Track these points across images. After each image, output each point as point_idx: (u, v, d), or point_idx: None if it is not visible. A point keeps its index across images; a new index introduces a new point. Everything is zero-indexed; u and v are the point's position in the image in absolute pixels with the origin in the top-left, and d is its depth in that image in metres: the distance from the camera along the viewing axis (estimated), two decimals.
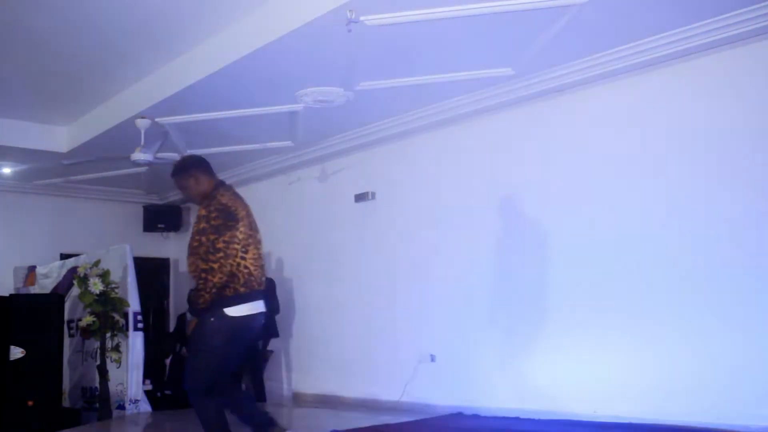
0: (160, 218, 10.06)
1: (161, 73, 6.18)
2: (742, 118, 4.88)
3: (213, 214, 3.72)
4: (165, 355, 8.90)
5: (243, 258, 3.73)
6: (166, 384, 8.38)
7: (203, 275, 3.61)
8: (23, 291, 8.46)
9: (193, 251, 3.68)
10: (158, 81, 6.23)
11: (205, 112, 6.56)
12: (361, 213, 7.35)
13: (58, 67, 6.12)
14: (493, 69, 5.66)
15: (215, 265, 3.60)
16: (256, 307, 3.81)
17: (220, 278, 3.63)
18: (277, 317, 7.87)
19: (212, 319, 3.69)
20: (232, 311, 3.68)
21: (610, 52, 5.27)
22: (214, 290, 3.64)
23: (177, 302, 10.27)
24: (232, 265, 3.68)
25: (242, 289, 3.71)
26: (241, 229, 3.78)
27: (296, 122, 6.86)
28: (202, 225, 3.71)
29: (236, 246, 3.71)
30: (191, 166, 4.06)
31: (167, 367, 8.79)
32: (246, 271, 3.74)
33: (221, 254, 3.64)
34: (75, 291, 7.29)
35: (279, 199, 8.54)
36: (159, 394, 7.73)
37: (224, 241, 3.67)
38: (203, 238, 3.67)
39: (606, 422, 5.13)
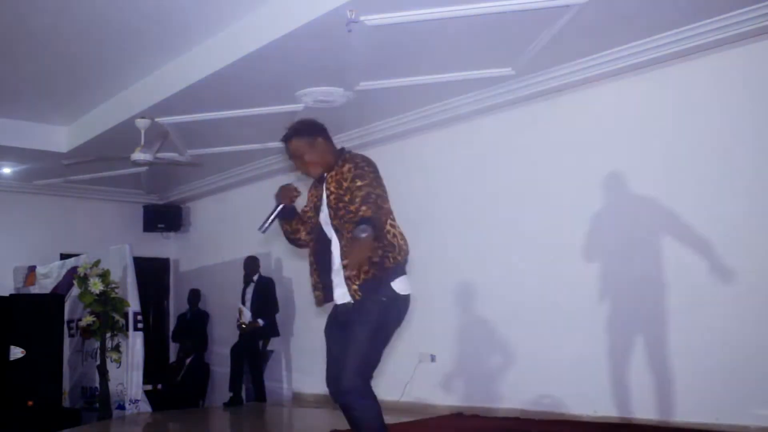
0: (160, 218, 10.06)
1: (161, 73, 6.18)
2: (742, 117, 4.88)
3: (362, 163, 3.19)
4: (186, 355, 8.94)
5: (392, 225, 3.22)
6: (180, 383, 8.47)
7: (383, 218, 3.10)
8: (23, 291, 8.46)
9: (361, 200, 3.05)
10: (158, 81, 6.22)
11: (205, 112, 6.56)
12: None
13: (58, 67, 6.11)
14: (493, 69, 5.66)
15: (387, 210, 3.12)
16: (410, 283, 3.26)
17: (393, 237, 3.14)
18: (277, 317, 7.89)
19: (383, 298, 3.12)
20: (399, 287, 3.15)
21: (610, 52, 5.27)
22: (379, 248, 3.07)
23: (177, 302, 10.28)
24: (386, 232, 3.15)
25: (399, 258, 3.17)
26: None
27: None
28: (356, 173, 3.14)
29: (388, 205, 3.20)
30: (314, 128, 3.41)
31: (185, 368, 8.83)
32: (400, 241, 3.21)
33: (388, 204, 3.17)
34: (75, 291, 7.29)
35: None
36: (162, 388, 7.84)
37: (383, 190, 3.17)
38: (363, 185, 3.09)
39: (606, 422, 5.14)
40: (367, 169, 3.18)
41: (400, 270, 3.20)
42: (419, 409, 6.29)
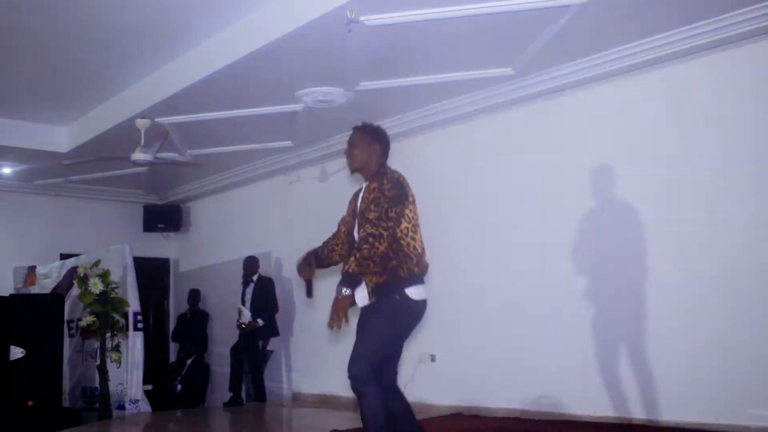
0: (160, 218, 10.06)
1: (161, 73, 6.18)
2: (742, 117, 4.87)
3: (387, 185, 3.49)
4: (187, 355, 8.96)
5: (413, 239, 3.50)
6: (181, 381, 8.49)
7: (371, 239, 3.36)
8: (23, 291, 8.47)
9: (366, 220, 3.45)
10: (158, 81, 6.23)
11: (205, 112, 6.56)
12: None
13: (58, 67, 6.12)
14: (493, 69, 5.66)
15: (385, 233, 3.37)
16: (426, 291, 3.57)
17: (386, 249, 3.40)
18: (277, 317, 7.88)
19: (397, 297, 3.43)
20: (413, 293, 3.45)
21: (610, 52, 5.27)
22: (379, 263, 3.39)
23: (177, 302, 10.28)
24: (403, 244, 3.46)
25: (416, 269, 3.48)
26: (411, 207, 3.56)
27: (296, 122, 6.86)
28: (376, 195, 3.48)
29: (407, 224, 3.50)
30: (380, 138, 3.75)
31: (186, 367, 8.86)
32: (416, 252, 3.50)
33: (392, 223, 3.42)
34: (75, 291, 7.30)
35: (279, 199, 8.55)
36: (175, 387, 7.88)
37: (396, 212, 3.45)
38: (374, 206, 3.44)
39: (606, 422, 5.14)
40: (388, 194, 3.45)
41: (414, 280, 3.48)
42: (419, 409, 6.24)
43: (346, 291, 3.35)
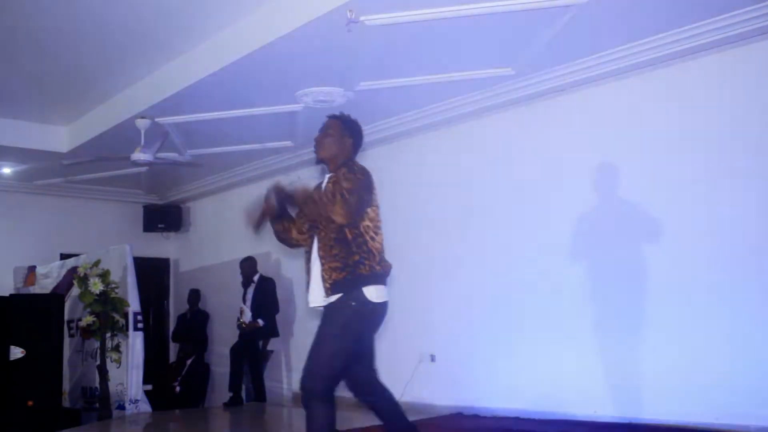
0: (160, 218, 10.05)
1: (161, 73, 6.18)
2: (742, 118, 4.87)
3: (359, 173, 3.26)
4: (187, 356, 8.95)
5: (373, 239, 3.28)
6: (181, 381, 8.48)
7: (339, 196, 3.13)
8: (23, 291, 8.47)
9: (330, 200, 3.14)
10: (158, 81, 6.22)
11: (205, 112, 6.56)
12: None
13: (58, 67, 6.11)
14: (493, 69, 5.66)
15: (353, 202, 3.14)
16: (388, 293, 3.32)
17: (350, 237, 3.19)
18: (277, 317, 7.88)
19: (353, 304, 3.17)
20: (373, 294, 3.20)
21: (610, 52, 5.27)
22: (339, 257, 3.17)
23: (177, 302, 10.28)
24: (367, 239, 3.24)
25: (378, 268, 3.25)
26: (374, 208, 3.35)
27: (296, 122, 6.86)
28: (347, 176, 3.23)
29: (369, 222, 3.28)
30: (356, 133, 3.57)
31: (186, 367, 8.85)
32: (378, 250, 3.29)
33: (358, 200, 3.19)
34: (75, 291, 7.30)
35: None
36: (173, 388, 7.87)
37: (365, 199, 3.24)
38: (345, 181, 3.20)
39: (606, 422, 5.13)
40: (359, 177, 3.24)
41: (377, 279, 3.25)
42: (419, 409, 6.28)
43: (274, 201, 3.23)
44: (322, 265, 3.26)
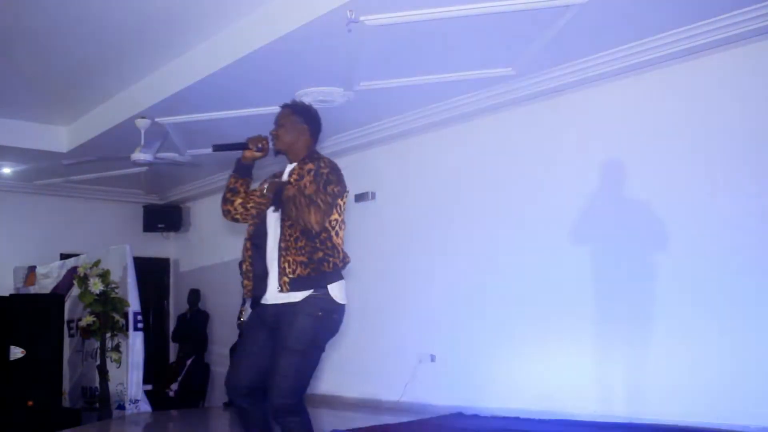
0: (160, 218, 10.06)
1: (161, 73, 6.18)
2: (742, 118, 4.87)
3: (325, 169, 3.17)
4: (187, 356, 8.95)
5: (337, 234, 3.20)
6: (181, 381, 8.47)
7: (312, 202, 3.04)
8: (23, 291, 8.47)
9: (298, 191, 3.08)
10: (158, 81, 6.23)
11: (205, 112, 6.56)
12: (361, 213, 7.34)
13: (58, 67, 6.11)
14: (493, 69, 5.66)
15: (323, 206, 3.04)
16: (345, 289, 3.23)
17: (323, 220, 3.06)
18: None
19: (319, 313, 3.06)
20: (337, 293, 3.11)
21: (610, 52, 5.26)
22: (304, 252, 3.06)
23: (177, 302, 10.29)
24: (332, 234, 3.16)
25: (340, 264, 3.17)
26: (344, 200, 3.26)
27: None
28: (313, 173, 3.16)
29: (337, 216, 3.19)
30: (311, 119, 3.42)
31: (186, 367, 8.84)
32: (341, 245, 3.21)
33: (330, 199, 3.10)
34: (75, 291, 7.29)
35: None
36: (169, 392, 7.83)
37: (333, 194, 3.14)
38: (310, 183, 3.13)
39: (606, 422, 5.13)
40: (329, 176, 3.15)
41: (337, 275, 3.17)
42: (419, 409, 6.29)
43: (269, 193, 3.15)
44: (283, 256, 3.09)
